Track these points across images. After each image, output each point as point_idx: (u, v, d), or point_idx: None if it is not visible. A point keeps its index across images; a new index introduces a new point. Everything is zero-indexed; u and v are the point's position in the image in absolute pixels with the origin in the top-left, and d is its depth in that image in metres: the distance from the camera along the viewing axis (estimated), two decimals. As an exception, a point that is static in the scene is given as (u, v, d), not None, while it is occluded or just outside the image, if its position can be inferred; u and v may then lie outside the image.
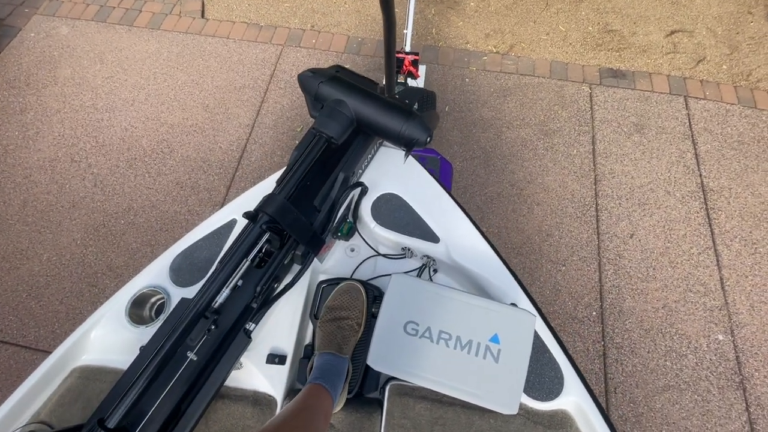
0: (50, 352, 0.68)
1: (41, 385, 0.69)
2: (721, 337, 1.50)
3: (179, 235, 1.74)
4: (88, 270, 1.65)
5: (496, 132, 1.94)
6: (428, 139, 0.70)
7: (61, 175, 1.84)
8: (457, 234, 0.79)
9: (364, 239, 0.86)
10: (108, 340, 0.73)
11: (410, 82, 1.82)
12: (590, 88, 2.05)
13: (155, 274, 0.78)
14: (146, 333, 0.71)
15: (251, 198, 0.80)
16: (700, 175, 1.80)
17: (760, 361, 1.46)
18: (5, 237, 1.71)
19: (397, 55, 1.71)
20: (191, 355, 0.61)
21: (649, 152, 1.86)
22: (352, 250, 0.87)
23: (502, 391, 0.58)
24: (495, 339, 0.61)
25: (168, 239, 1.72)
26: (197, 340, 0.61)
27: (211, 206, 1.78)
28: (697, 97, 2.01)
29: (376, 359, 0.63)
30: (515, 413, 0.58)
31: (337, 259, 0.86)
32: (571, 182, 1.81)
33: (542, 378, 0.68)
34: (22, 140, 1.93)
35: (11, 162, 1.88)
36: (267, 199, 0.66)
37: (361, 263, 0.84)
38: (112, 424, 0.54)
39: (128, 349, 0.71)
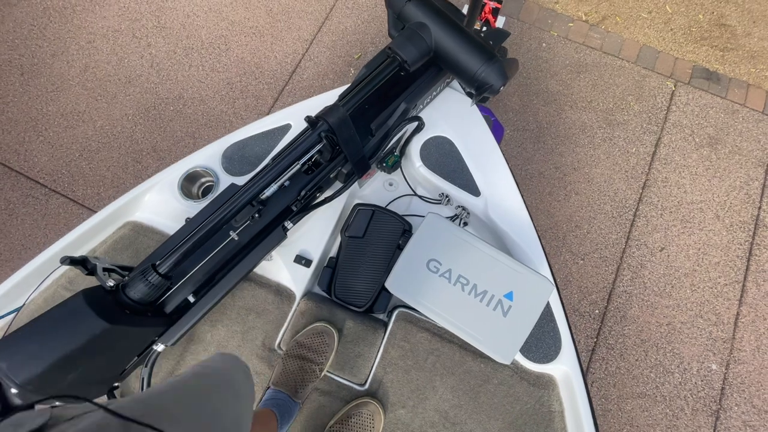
0: (93, 210, 0.76)
1: (99, 227, 0.78)
2: (714, 367, 1.50)
3: (221, 133, 1.79)
4: (135, 146, 1.75)
5: (557, 108, 1.82)
6: (501, 88, 0.67)
7: (122, 48, 1.88)
8: (499, 193, 0.79)
9: (404, 176, 0.87)
10: (159, 204, 0.80)
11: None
12: (675, 86, 1.86)
13: (209, 156, 0.82)
14: (193, 207, 0.78)
15: (310, 106, 0.81)
16: (759, 208, 1.68)
17: (744, 398, 1.47)
18: (66, 96, 1.80)
19: (479, -3, 1.57)
20: (234, 235, 0.67)
21: (713, 170, 1.73)
22: (391, 185, 0.89)
23: (502, 342, 0.62)
24: (509, 296, 0.64)
25: (211, 136, 1.78)
26: (241, 223, 0.67)
27: (256, 113, 1.80)
28: (791, 124, 1.80)
29: (394, 284, 0.67)
30: (508, 364, 0.62)
31: (375, 189, 0.88)
32: (618, 180, 1.72)
33: (541, 343, 0.72)
34: (90, 3, 1.95)
35: (77, 23, 1.91)
36: (330, 109, 0.66)
37: (397, 198, 0.86)
38: (162, 270, 0.62)
39: (175, 216, 0.78)
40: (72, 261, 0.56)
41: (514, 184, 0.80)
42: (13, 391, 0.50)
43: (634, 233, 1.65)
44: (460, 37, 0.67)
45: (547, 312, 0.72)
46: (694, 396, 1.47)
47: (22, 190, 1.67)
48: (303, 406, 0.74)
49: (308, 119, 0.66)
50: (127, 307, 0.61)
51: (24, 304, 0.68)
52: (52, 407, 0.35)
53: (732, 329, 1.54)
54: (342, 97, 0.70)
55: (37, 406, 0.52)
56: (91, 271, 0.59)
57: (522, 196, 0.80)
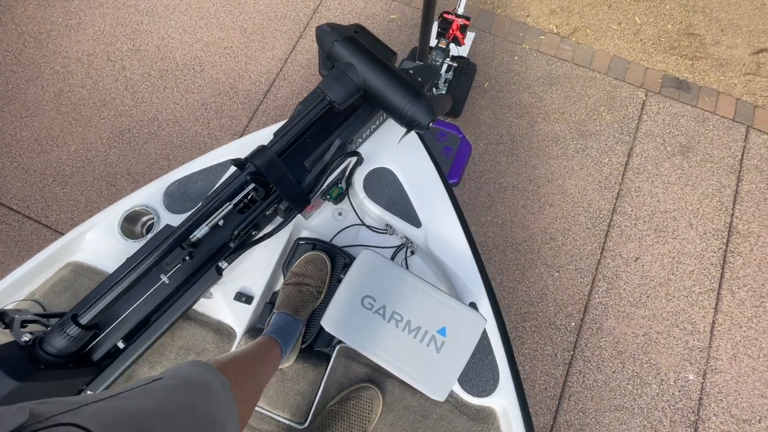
0: None
1: (39, 268, 0.78)
2: (691, 377, 1.50)
3: (196, 154, 1.79)
4: (109, 170, 1.75)
5: (530, 121, 1.84)
6: (429, 125, 0.68)
7: (96, 72, 1.89)
8: (439, 224, 0.80)
9: (352, 206, 0.88)
10: (100, 245, 0.80)
11: (453, 49, 1.71)
12: (646, 96, 1.88)
13: (150, 195, 0.82)
14: (133, 247, 0.77)
15: (249, 143, 0.81)
16: (732, 215, 1.69)
17: (722, 408, 1.47)
18: (40, 121, 1.80)
19: (446, 15, 1.59)
20: (164, 278, 0.66)
21: (686, 178, 1.75)
22: (340, 214, 0.89)
23: (436, 379, 0.62)
24: (442, 331, 0.64)
25: (185, 157, 1.78)
26: (172, 266, 0.67)
27: (230, 134, 1.81)
28: (761, 131, 1.83)
29: (329, 321, 0.67)
30: (442, 401, 0.62)
31: (323, 219, 0.89)
32: (592, 191, 1.73)
33: (479, 376, 0.72)
34: (65, 29, 1.96)
35: (52, 48, 1.93)
36: (257, 151, 0.67)
37: (344, 229, 0.87)
38: (84, 321, 0.61)
39: (116, 257, 0.78)
40: None
41: (454, 214, 0.80)
42: None
43: (609, 244, 1.66)
44: (387, 76, 0.68)
45: (485, 344, 0.72)
46: (671, 407, 1.47)
47: (-5, 217, 1.66)
48: None
49: (235, 162, 0.66)
50: (43, 361, 0.60)
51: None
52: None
53: (708, 338, 1.54)
54: (276, 134, 0.71)
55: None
56: (7, 324, 0.58)
57: (464, 227, 0.80)
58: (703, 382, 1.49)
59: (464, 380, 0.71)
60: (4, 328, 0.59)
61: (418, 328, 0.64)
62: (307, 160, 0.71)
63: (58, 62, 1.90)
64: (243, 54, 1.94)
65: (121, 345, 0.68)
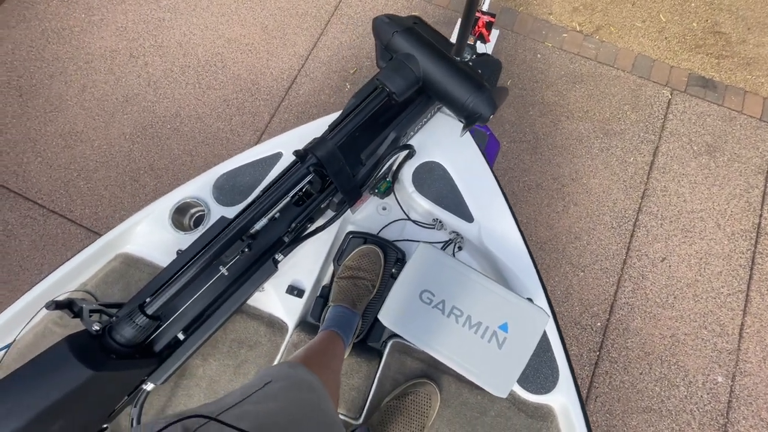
0: (91, 230, 0.76)
1: (91, 260, 0.78)
2: (720, 379, 1.48)
3: (218, 151, 1.80)
4: (132, 165, 1.75)
5: (553, 119, 1.82)
6: (490, 118, 0.67)
7: (119, 68, 1.89)
8: (492, 218, 0.78)
9: (398, 201, 0.87)
10: (150, 236, 0.80)
11: (479, 46, 1.69)
12: (671, 94, 1.86)
13: (199, 186, 0.82)
14: (184, 239, 0.77)
15: (300, 135, 0.80)
16: (761, 216, 1.67)
17: (752, 411, 1.44)
18: (64, 116, 1.81)
19: (472, 12, 1.58)
20: (223, 270, 0.66)
21: (713, 178, 1.72)
22: (384, 209, 0.88)
23: (499, 375, 0.61)
24: (504, 327, 0.63)
25: (207, 153, 1.78)
26: (231, 258, 0.66)
27: (252, 130, 1.81)
28: (789, 130, 1.79)
29: (386, 315, 0.66)
30: (505, 397, 0.61)
31: (368, 214, 0.88)
32: (617, 191, 1.71)
33: (538, 373, 0.71)
34: (87, 25, 1.97)
35: (75, 44, 1.93)
36: (318, 142, 0.66)
37: (390, 223, 0.86)
38: (150, 311, 0.61)
39: (166, 249, 0.78)
40: (57, 305, 0.56)
41: (508, 210, 0.79)
42: None
43: (635, 244, 1.64)
44: (448, 67, 0.67)
45: (544, 341, 0.71)
46: (700, 410, 1.44)
47: (20, 211, 1.67)
48: None
49: (296, 153, 0.66)
50: (114, 351, 0.60)
51: (14, 341, 0.67)
52: None
53: (737, 340, 1.52)
54: (331, 128, 0.70)
55: None
56: (77, 313, 0.58)
57: (517, 222, 0.79)
58: (732, 385, 1.47)
59: (522, 377, 0.70)
60: (73, 317, 0.58)
61: (479, 324, 0.63)
62: (363, 153, 0.70)
63: (81, 58, 1.91)
64: (264, 51, 1.93)
65: (181, 336, 0.67)
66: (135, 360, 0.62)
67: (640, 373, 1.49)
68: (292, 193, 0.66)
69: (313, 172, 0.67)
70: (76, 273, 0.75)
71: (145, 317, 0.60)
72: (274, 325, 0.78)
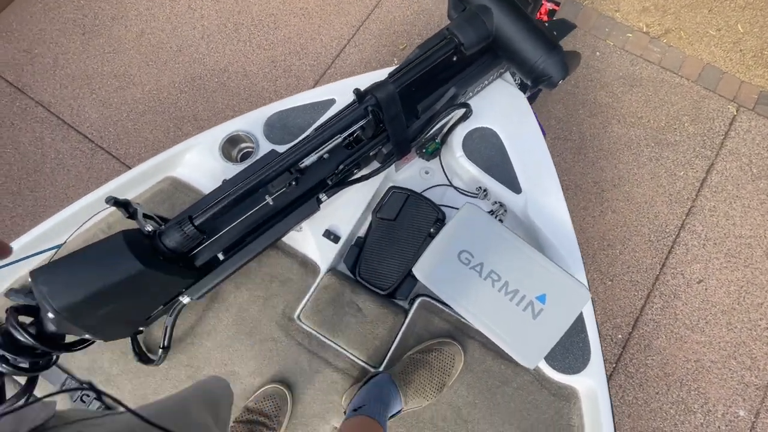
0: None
1: (141, 178, 0.81)
2: (742, 413, 1.40)
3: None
4: (177, 112, 1.80)
5: (603, 121, 1.74)
6: (560, 81, 0.64)
7: (176, 18, 1.94)
8: (541, 193, 0.76)
9: (442, 166, 0.85)
10: (199, 163, 0.82)
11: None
12: (737, 111, 1.74)
13: (251, 121, 0.83)
14: (231, 169, 0.79)
15: (356, 84, 0.80)
16: (817, 252, 1.55)
17: (773, 452, 1.37)
18: (120, 58, 1.88)
19: (536, -4, 1.52)
20: (269, 199, 0.67)
21: (768, 205, 1.61)
22: (427, 173, 0.87)
23: (529, 345, 0.59)
24: (542, 298, 0.61)
25: (249, 110, 1.81)
26: (277, 189, 0.67)
27: (296, 93, 1.82)
28: None
29: (422, 270, 0.66)
30: (531, 368, 0.60)
31: (410, 175, 0.87)
32: (661, 203, 1.63)
33: (568, 353, 0.69)
34: (152, -28, 2.02)
35: (139, -10, 1.99)
36: (379, 85, 0.65)
37: (431, 187, 0.84)
38: (198, 222, 0.63)
39: (213, 176, 0.80)
40: (116, 202, 0.58)
41: (558, 187, 0.76)
42: (50, 315, 0.52)
43: (671, 261, 1.56)
44: (524, 23, 0.64)
45: (579, 322, 0.68)
46: (715, 441, 1.38)
47: (71, 143, 1.76)
48: (315, 379, 0.74)
49: (357, 92, 0.65)
50: (162, 254, 0.63)
51: (65, 243, 0.71)
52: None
53: (768, 377, 1.43)
54: (392, 74, 0.69)
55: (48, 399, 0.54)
56: (132, 214, 0.61)
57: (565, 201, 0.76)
58: (754, 421, 1.39)
59: (550, 354, 0.68)
60: (128, 217, 0.61)
61: (516, 291, 0.61)
62: (420, 104, 0.69)
63: (142, 4, 1.97)
64: (317, 16, 1.93)
65: (221, 256, 0.69)
66: (178, 267, 0.65)
67: (657, 393, 1.43)
68: (345, 134, 0.65)
69: (369, 114, 0.66)
70: (127, 187, 0.79)
71: (193, 227, 0.62)
72: (307, 265, 0.80)
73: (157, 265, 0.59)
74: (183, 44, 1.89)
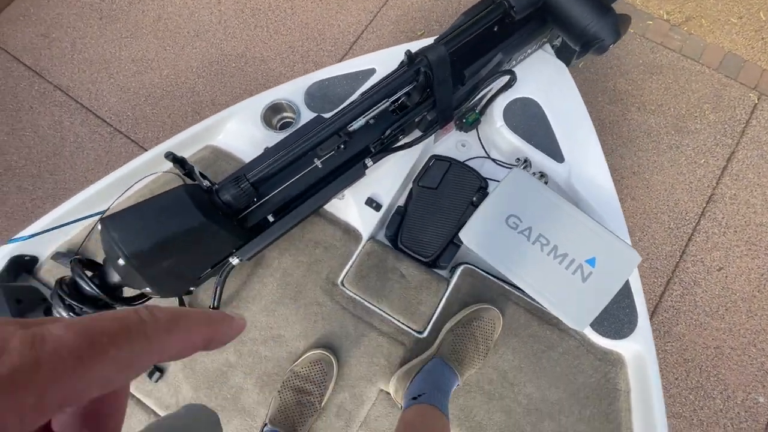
0: None
1: (182, 145, 0.81)
2: (761, 400, 1.40)
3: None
4: (195, 97, 1.80)
5: (623, 108, 1.73)
6: (610, 47, 0.63)
7: (194, 2, 1.94)
8: (585, 161, 0.76)
9: (479, 138, 0.85)
10: (240, 131, 0.82)
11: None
12: (758, 99, 1.72)
13: (292, 90, 0.83)
14: (272, 137, 0.79)
15: (398, 53, 0.79)
16: (838, 240, 1.54)
17: (792, 438, 1.37)
18: (138, 43, 1.88)
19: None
20: (318, 162, 0.67)
21: (790, 193, 1.60)
22: (463, 146, 0.87)
23: (578, 308, 0.59)
24: (591, 261, 0.61)
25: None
26: (326, 152, 0.67)
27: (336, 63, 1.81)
28: None
29: (469, 235, 0.66)
30: (581, 330, 0.60)
31: (447, 147, 0.87)
32: (681, 191, 1.62)
33: (614, 318, 0.69)
34: (169, -43, 2.01)
35: (156, -25, 1.98)
36: (431, 46, 0.65)
37: (469, 159, 0.84)
38: (253, 179, 0.64)
39: (254, 144, 0.80)
40: (174, 158, 0.59)
41: (602, 156, 0.76)
42: (120, 262, 0.53)
43: (691, 248, 1.55)
44: None
45: (625, 288, 0.68)
46: (734, 426, 1.38)
47: (90, 127, 1.77)
48: (361, 343, 0.74)
49: (408, 53, 0.65)
50: (219, 209, 0.63)
51: (108, 209, 0.72)
52: None
53: (788, 364, 1.43)
54: (439, 39, 0.68)
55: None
56: (188, 171, 0.61)
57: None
58: (774, 408, 1.39)
59: (596, 321, 0.68)
60: (184, 174, 0.62)
61: (565, 255, 0.62)
62: (466, 70, 0.69)
63: (159, -11, 1.96)
64: (335, 2, 1.92)
65: (270, 218, 0.70)
66: (233, 226, 0.65)
67: (676, 378, 1.43)
68: (392, 98, 0.65)
69: (422, 74, 0.65)
70: (176, 151, 0.79)
71: (248, 183, 0.62)
72: (350, 233, 0.80)
73: (216, 219, 0.59)
74: (200, 29, 1.89)
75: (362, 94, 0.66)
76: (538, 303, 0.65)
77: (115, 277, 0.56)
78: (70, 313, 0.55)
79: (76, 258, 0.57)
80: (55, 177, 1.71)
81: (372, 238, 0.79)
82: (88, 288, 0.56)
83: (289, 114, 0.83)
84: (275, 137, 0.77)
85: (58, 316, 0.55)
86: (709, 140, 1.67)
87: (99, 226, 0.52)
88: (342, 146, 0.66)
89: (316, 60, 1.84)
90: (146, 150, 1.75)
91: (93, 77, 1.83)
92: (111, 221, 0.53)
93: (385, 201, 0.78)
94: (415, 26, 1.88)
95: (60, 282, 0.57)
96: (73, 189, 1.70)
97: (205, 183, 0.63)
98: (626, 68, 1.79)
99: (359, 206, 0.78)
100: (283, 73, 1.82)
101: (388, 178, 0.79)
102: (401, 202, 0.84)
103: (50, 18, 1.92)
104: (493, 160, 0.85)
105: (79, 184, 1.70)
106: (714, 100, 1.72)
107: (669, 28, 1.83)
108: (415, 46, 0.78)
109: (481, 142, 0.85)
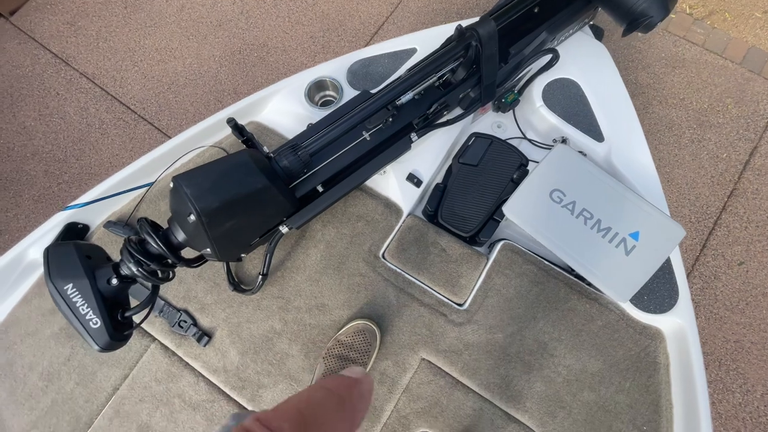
0: None
1: (222, 123, 0.83)
2: (782, 395, 1.40)
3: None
4: (218, 86, 1.83)
5: (644, 102, 1.72)
6: (659, 23, 0.64)
7: (216, -8, 1.96)
8: (624, 141, 0.76)
9: (515, 119, 0.86)
10: (284, 108, 0.84)
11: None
12: (783, 94, 1.70)
13: (335, 68, 0.85)
14: (316, 114, 0.80)
15: (438, 34, 0.81)
16: None
17: (812, 433, 1.36)
18: (162, 32, 1.91)
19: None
20: (366, 135, 0.69)
21: (813, 189, 1.58)
22: (499, 127, 0.88)
23: (621, 281, 0.60)
24: (635, 235, 0.62)
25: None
26: (374, 125, 0.69)
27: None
28: None
29: (512, 209, 0.67)
30: (623, 302, 0.61)
31: (483, 127, 0.88)
32: (702, 185, 1.61)
33: (654, 293, 0.70)
34: (192, -53, 2.04)
35: (179, -35, 2.01)
36: (481, 21, 0.66)
37: (507, 139, 0.85)
38: (307, 148, 0.65)
39: (298, 121, 0.82)
40: (235, 125, 0.61)
41: (642, 135, 0.76)
42: (191, 218, 0.55)
43: (712, 242, 1.55)
44: None
45: (667, 263, 0.69)
46: (754, 420, 1.38)
47: (115, 114, 1.80)
48: (403, 313, 0.76)
49: (459, 28, 0.66)
50: (277, 174, 0.65)
51: (156, 180, 0.74)
52: None
53: (809, 360, 1.42)
54: (491, 13, 0.69)
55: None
56: (247, 138, 0.63)
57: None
58: (794, 403, 1.39)
59: (636, 295, 0.69)
60: (243, 141, 0.63)
61: (608, 229, 0.63)
62: (512, 47, 0.70)
63: (183, -21, 1.99)
64: (356, -7, 1.93)
65: (320, 189, 0.72)
66: (288, 192, 0.67)
67: (695, 372, 1.43)
68: (440, 73, 0.67)
69: (473, 48, 0.66)
70: (214, 130, 0.81)
71: (305, 151, 0.64)
72: (391, 207, 0.82)
73: (277, 184, 0.61)
74: (223, 19, 1.91)
75: (409, 69, 0.67)
76: (576, 278, 0.66)
77: (180, 236, 0.58)
78: (139, 268, 0.58)
79: (144, 219, 0.60)
80: (80, 162, 1.74)
81: (412, 213, 0.81)
82: (155, 246, 0.59)
83: (331, 92, 0.85)
84: (318, 114, 0.79)
85: (125, 271, 0.58)
86: (732, 134, 1.66)
87: (171, 184, 0.54)
88: (390, 119, 0.67)
89: (336, 50, 1.85)
90: (170, 137, 1.78)
91: (118, 65, 1.86)
92: (184, 179, 0.55)
93: (426, 177, 0.80)
94: (435, 18, 1.89)
95: (128, 240, 0.60)
96: (98, 174, 1.73)
97: (265, 149, 0.65)
98: (648, 62, 1.78)
99: (400, 182, 0.79)
100: (304, 63, 1.84)
101: (429, 154, 0.80)
102: (440, 179, 0.85)
103: (76, 6, 1.96)
104: (530, 140, 0.86)
105: (104, 169, 1.74)
106: (737, 94, 1.71)
107: (692, 22, 1.82)
108: (452, 28, 0.79)
109: (517, 123, 0.86)
